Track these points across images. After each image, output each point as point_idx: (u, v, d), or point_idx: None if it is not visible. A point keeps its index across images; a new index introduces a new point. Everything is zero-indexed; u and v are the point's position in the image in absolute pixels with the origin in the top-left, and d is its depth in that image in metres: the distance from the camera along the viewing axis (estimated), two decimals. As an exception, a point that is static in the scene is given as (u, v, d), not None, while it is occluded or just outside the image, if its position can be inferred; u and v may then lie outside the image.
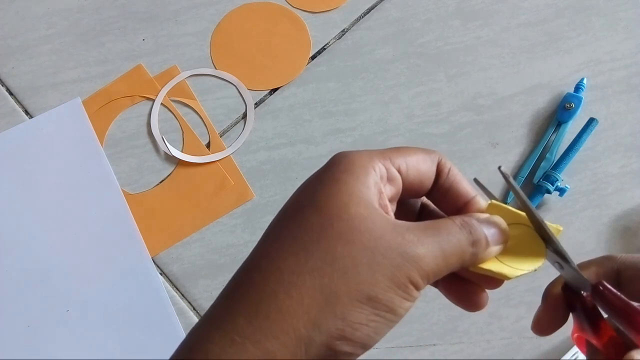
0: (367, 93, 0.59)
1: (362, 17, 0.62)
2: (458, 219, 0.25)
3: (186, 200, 0.56)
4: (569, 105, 0.55)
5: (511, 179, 0.25)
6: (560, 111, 0.55)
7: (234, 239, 0.55)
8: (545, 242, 0.27)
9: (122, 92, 0.60)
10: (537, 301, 0.29)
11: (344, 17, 0.62)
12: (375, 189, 0.24)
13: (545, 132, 0.55)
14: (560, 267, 0.27)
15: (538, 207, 0.54)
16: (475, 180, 0.28)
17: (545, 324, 0.28)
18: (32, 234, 0.55)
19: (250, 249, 0.24)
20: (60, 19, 0.63)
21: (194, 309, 0.53)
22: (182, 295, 0.53)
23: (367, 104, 0.58)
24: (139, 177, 0.57)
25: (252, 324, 0.22)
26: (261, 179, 0.56)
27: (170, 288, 0.54)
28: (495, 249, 0.25)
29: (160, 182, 0.57)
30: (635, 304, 0.24)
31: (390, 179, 0.25)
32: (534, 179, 0.54)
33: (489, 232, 0.25)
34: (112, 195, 0.56)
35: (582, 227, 0.53)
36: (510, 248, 0.26)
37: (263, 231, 0.25)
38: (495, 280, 0.27)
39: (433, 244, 0.23)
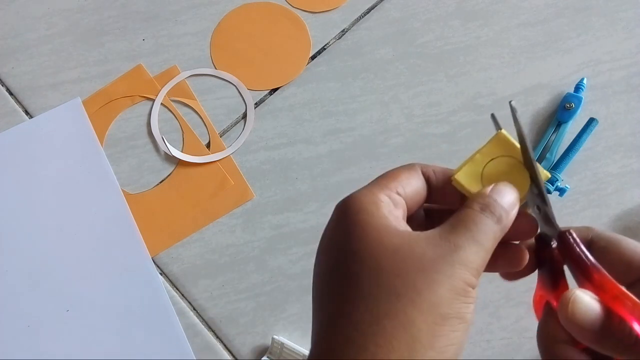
0: (367, 93, 0.59)
1: (362, 17, 0.62)
2: (475, 205, 0.26)
3: (186, 200, 0.56)
4: (569, 105, 0.55)
5: (518, 114, 0.27)
6: (560, 111, 0.55)
7: (233, 239, 0.54)
8: (531, 181, 0.28)
9: (122, 92, 0.60)
10: (537, 301, 0.29)
11: (344, 17, 0.62)
12: (391, 216, 0.25)
13: (545, 132, 0.55)
14: (538, 211, 0.28)
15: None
16: (492, 116, 0.30)
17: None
18: (32, 234, 0.55)
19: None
20: (60, 19, 0.63)
21: (194, 309, 0.53)
22: (182, 295, 0.53)
23: (367, 104, 0.58)
24: (139, 177, 0.57)
25: None
26: (261, 179, 0.56)
27: (170, 288, 0.54)
28: (513, 212, 0.26)
29: (160, 182, 0.57)
30: (593, 260, 0.25)
31: (395, 204, 0.27)
32: (534, 179, 0.54)
33: (504, 202, 0.26)
34: (112, 195, 0.56)
35: (582, 227, 0.53)
36: (497, 176, 0.28)
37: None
38: (525, 229, 0.28)
39: (469, 241, 0.24)
